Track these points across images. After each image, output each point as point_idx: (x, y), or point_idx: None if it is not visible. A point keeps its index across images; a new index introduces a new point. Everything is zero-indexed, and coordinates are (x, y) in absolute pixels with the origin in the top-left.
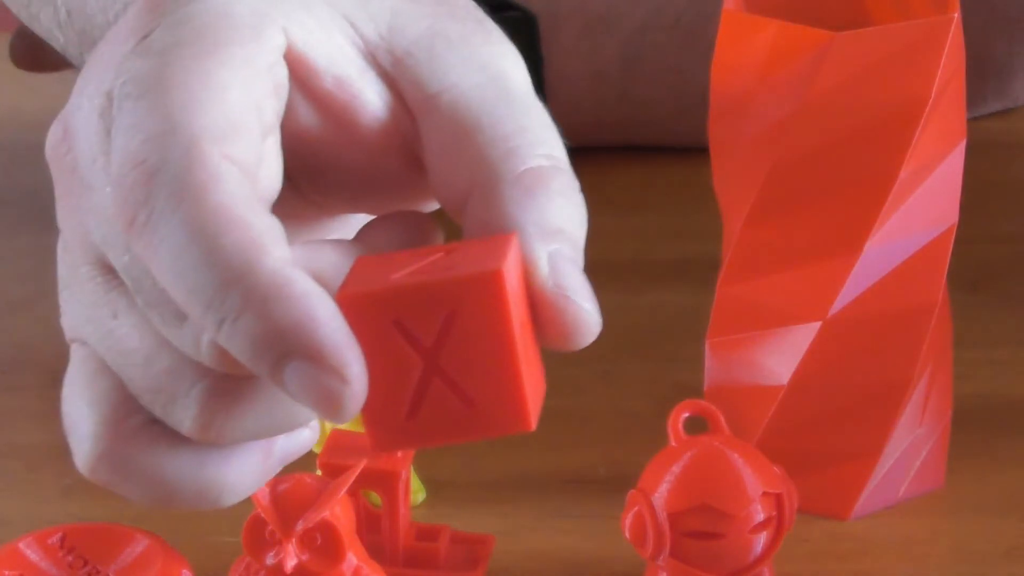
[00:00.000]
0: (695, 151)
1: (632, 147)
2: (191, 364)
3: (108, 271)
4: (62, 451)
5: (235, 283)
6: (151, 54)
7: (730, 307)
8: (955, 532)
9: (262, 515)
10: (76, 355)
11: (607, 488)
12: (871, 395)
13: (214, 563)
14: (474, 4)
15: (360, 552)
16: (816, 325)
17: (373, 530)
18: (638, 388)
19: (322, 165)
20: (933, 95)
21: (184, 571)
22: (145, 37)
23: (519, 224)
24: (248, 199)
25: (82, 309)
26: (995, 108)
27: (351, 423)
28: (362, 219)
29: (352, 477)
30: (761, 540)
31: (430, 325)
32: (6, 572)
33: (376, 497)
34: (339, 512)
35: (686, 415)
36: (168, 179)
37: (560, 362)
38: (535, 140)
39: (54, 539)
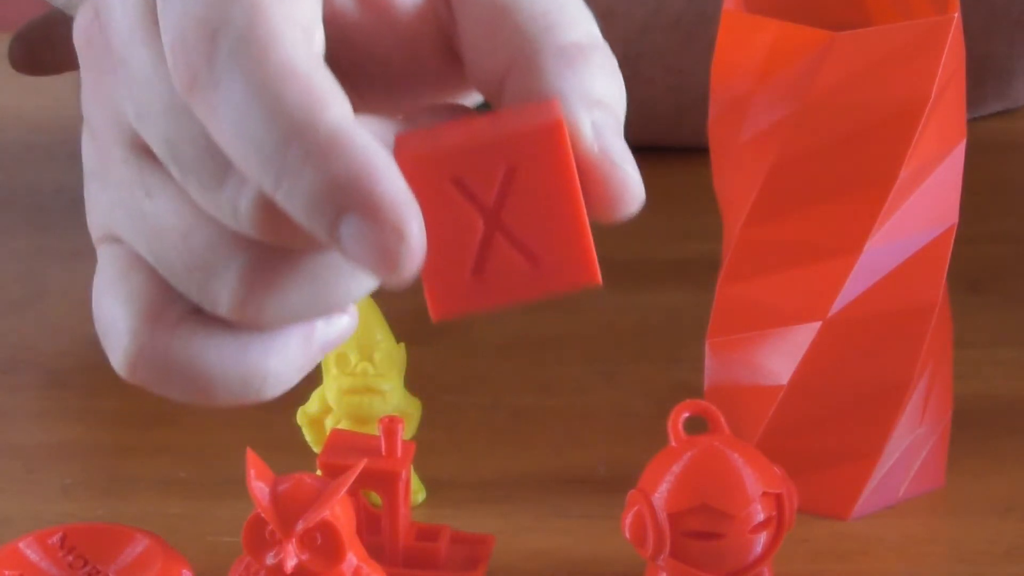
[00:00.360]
0: (695, 151)
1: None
2: (230, 237)
3: (141, 151)
4: (62, 451)
5: (296, 136)
6: None
7: (730, 307)
8: (955, 532)
9: (262, 515)
10: (105, 255)
11: (607, 488)
12: (871, 395)
13: (214, 563)
14: None
15: (360, 552)
16: (816, 325)
17: (373, 530)
18: (638, 388)
19: (357, 56)
20: (933, 95)
21: (184, 571)
22: None
23: (562, 93)
24: (309, 57)
25: (114, 195)
26: (995, 108)
27: (351, 423)
28: None
29: (352, 477)
30: (761, 540)
31: (490, 182)
32: (6, 572)
33: (376, 497)
34: (339, 512)
35: (686, 415)
36: (231, 37)
37: (560, 362)
38: (575, 17)
39: (54, 539)
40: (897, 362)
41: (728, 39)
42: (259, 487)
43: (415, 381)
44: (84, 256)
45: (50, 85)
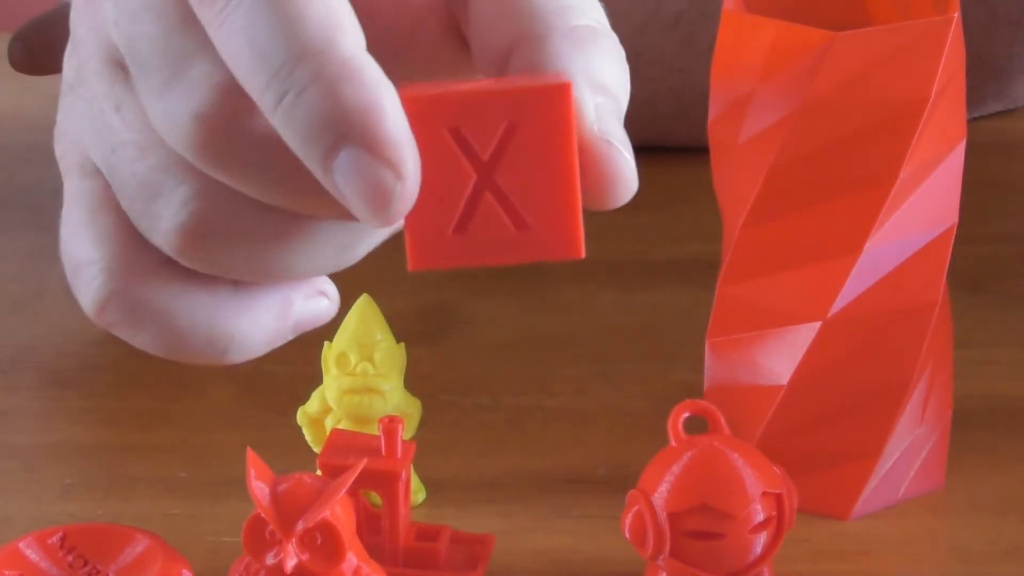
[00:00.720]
0: (695, 151)
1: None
2: (182, 163)
3: (116, 65)
4: (62, 451)
5: (310, 56)
6: None
7: (730, 307)
8: (955, 532)
9: (262, 515)
10: (75, 190)
11: (607, 488)
12: (871, 395)
13: (214, 563)
14: None
15: (360, 552)
16: (816, 325)
17: (373, 530)
18: (638, 388)
19: (359, 19)
20: (933, 95)
21: (184, 571)
22: None
23: (569, 72)
24: None
25: (85, 109)
26: (995, 108)
27: (351, 423)
28: None
29: (352, 477)
30: (761, 540)
31: (489, 136)
32: (6, 572)
33: (376, 497)
34: (339, 512)
35: (686, 415)
36: None
37: (560, 362)
38: (587, 4)
39: (54, 539)
40: (897, 362)
41: (728, 39)
42: (259, 487)
43: (415, 381)
44: None
45: (50, 85)
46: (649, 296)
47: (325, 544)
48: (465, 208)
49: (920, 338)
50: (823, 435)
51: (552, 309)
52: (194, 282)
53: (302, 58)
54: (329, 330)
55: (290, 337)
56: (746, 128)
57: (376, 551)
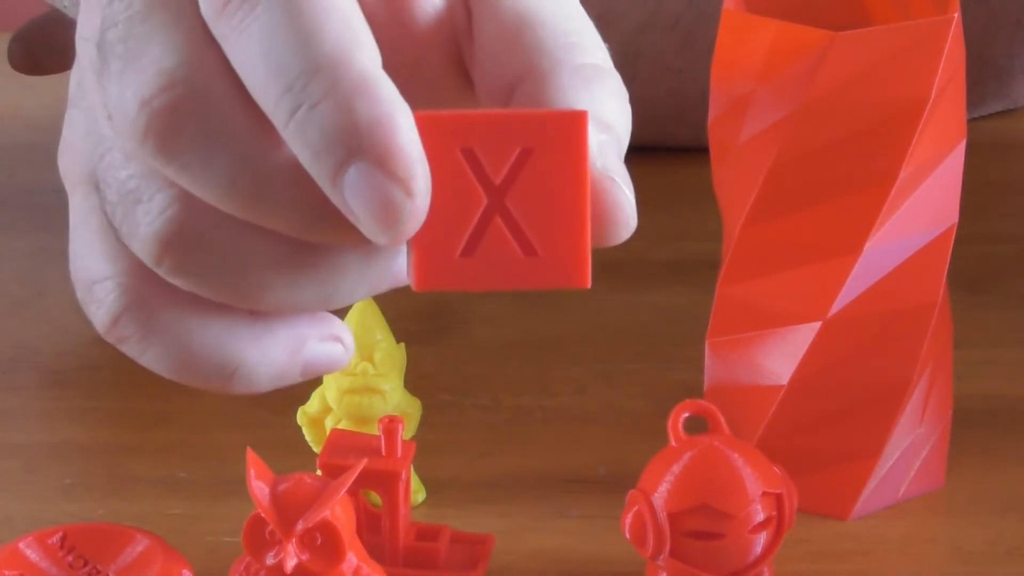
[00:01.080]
0: (695, 151)
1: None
2: (163, 174)
3: None
4: (62, 451)
5: (326, 70)
6: None
7: (730, 307)
8: (955, 532)
9: (262, 515)
10: (84, 206)
11: (607, 488)
12: (871, 395)
13: (214, 563)
14: None
15: (360, 552)
16: (816, 325)
17: (373, 530)
18: (638, 388)
19: None
20: (933, 95)
21: (184, 571)
22: None
23: (574, 108)
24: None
25: (84, 121)
26: (995, 108)
27: (351, 423)
28: None
29: (352, 477)
30: (761, 540)
31: (502, 159)
32: (6, 572)
33: (376, 497)
34: (339, 512)
35: (686, 415)
36: None
37: (560, 362)
38: (593, 43)
39: (54, 539)
40: (897, 362)
41: (728, 39)
42: (259, 487)
43: (415, 381)
44: None
45: (50, 85)
46: (649, 296)
47: (325, 544)
48: (474, 231)
49: (920, 338)
50: (823, 435)
51: (552, 309)
52: (208, 303)
53: (317, 71)
54: None
55: (298, 379)
56: (746, 128)
57: (376, 551)
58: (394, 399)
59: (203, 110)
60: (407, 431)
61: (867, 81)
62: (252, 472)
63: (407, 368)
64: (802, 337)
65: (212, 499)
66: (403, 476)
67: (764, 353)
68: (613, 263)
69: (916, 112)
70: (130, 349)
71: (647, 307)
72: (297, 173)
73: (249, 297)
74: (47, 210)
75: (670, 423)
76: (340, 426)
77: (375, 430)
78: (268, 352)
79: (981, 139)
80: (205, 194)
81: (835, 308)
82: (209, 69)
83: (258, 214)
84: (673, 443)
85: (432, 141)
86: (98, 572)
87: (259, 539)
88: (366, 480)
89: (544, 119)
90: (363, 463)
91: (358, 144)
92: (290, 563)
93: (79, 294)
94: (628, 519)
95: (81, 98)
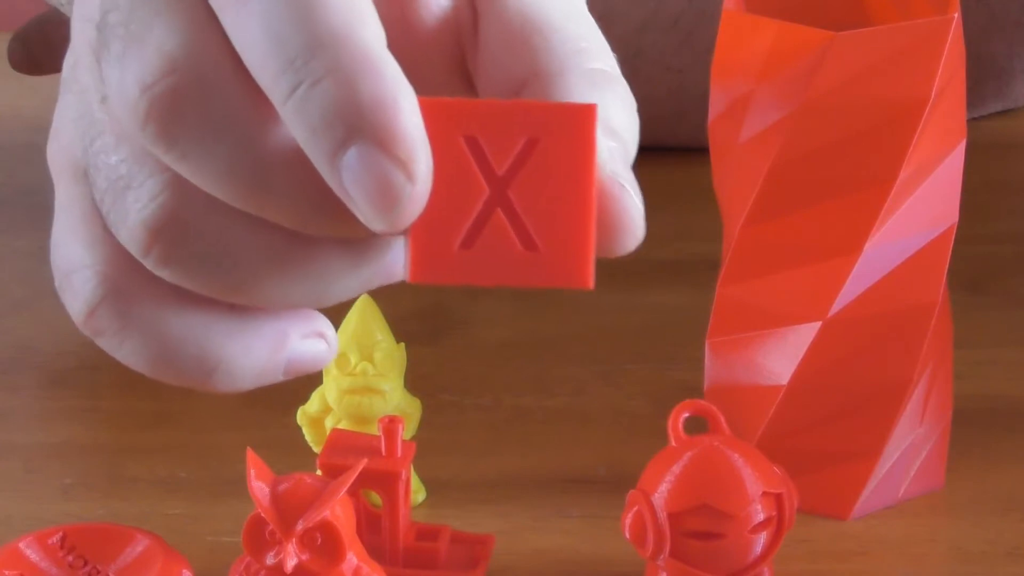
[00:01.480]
0: (695, 151)
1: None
2: (154, 155)
3: None
4: (62, 451)
5: (328, 46)
6: None
7: (730, 307)
8: (955, 532)
9: (262, 515)
10: (67, 195)
11: (607, 488)
12: (871, 395)
13: (214, 563)
14: None
15: (360, 552)
16: (816, 325)
17: (373, 530)
18: (638, 388)
19: None
20: (933, 95)
21: (184, 571)
22: None
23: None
24: None
25: (76, 105)
26: (995, 108)
27: (351, 423)
28: None
29: (352, 477)
30: (761, 540)
31: (507, 149)
32: (6, 572)
33: (376, 497)
34: (339, 512)
35: (686, 415)
36: None
37: (560, 362)
38: (602, 48)
39: (54, 539)
40: (897, 362)
41: (728, 39)
42: (259, 487)
43: (415, 381)
44: None
45: (50, 85)
46: (649, 296)
47: (325, 544)
48: (474, 223)
49: (920, 338)
50: (823, 435)
51: (552, 309)
52: (189, 296)
53: (320, 47)
54: None
55: (281, 377)
56: (746, 128)
57: (376, 551)
58: (394, 399)
59: (205, 96)
60: (407, 431)
61: (867, 81)
62: (252, 472)
63: (407, 368)
64: (802, 337)
65: (212, 499)
66: (403, 476)
67: (764, 353)
68: (613, 263)
69: (916, 112)
70: (107, 342)
71: (647, 307)
72: (298, 162)
73: (237, 290)
74: (47, 210)
75: (670, 423)
76: (340, 426)
77: (375, 430)
78: (250, 348)
79: (981, 139)
80: (203, 181)
81: (835, 308)
82: (212, 52)
83: (256, 203)
84: (673, 443)
85: (435, 127)
86: (98, 572)
87: (259, 539)
88: (366, 480)
89: (552, 109)
90: (363, 463)
91: (359, 123)
92: (290, 563)
93: (56, 283)
94: (628, 519)
95: (74, 81)
